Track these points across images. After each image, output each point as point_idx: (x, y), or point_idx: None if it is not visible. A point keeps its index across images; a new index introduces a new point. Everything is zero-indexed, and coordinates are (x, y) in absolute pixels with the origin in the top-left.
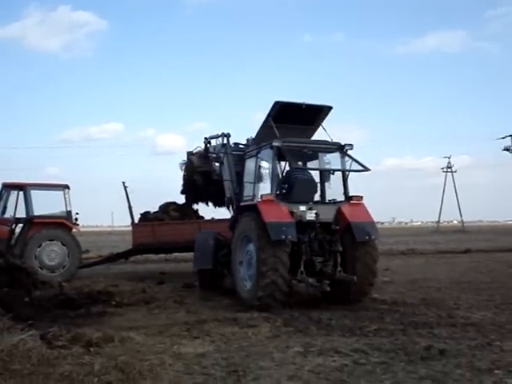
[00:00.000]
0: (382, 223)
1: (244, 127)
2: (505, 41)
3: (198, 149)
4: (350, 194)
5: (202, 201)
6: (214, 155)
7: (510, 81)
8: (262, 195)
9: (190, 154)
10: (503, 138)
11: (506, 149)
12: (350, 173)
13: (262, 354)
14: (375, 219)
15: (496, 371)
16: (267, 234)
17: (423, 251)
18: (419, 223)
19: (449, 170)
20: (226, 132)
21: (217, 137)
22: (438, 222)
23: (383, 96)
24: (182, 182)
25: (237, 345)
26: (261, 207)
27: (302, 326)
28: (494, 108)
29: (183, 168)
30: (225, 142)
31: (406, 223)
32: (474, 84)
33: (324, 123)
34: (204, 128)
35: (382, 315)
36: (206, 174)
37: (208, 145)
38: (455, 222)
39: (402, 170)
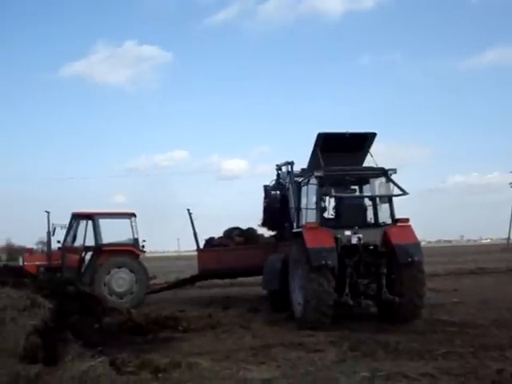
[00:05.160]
0: (450, 241)
1: (308, 149)
2: None
3: (273, 182)
4: (406, 216)
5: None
6: (285, 183)
7: None
8: (306, 222)
9: (266, 186)
10: None
11: None
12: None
13: (329, 379)
14: (443, 237)
15: None
16: (310, 259)
17: (494, 269)
18: (488, 240)
19: None
20: (290, 160)
21: (285, 164)
22: (508, 238)
23: (445, 113)
24: (262, 216)
25: (303, 370)
26: (304, 233)
27: (369, 350)
28: None
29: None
30: (289, 169)
31: (475, 241)
32: None
33: (385, 145)
34: (267, 151)
35: (452, 338)
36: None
37: (279, 171)
38: None
39: (469, 187)
